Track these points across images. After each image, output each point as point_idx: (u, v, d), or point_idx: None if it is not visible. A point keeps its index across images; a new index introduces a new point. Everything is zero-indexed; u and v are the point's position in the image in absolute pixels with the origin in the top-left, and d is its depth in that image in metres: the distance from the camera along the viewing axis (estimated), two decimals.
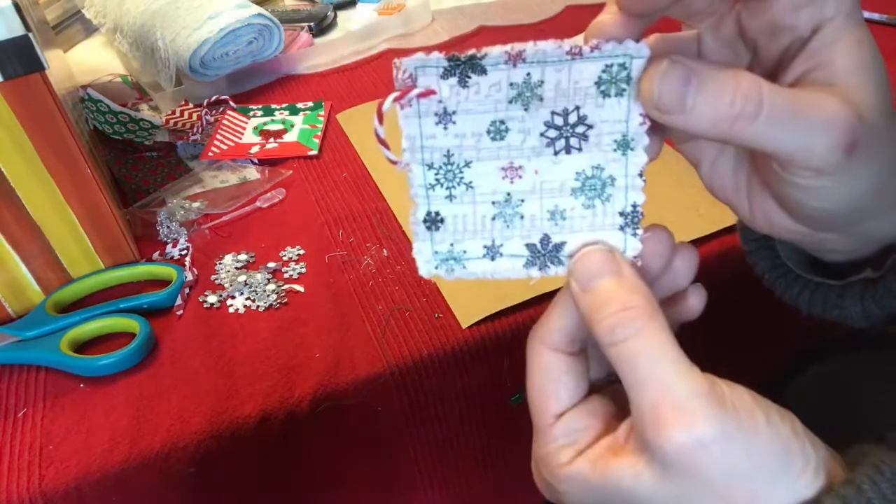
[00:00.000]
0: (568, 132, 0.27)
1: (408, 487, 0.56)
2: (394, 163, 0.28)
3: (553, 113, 0.27)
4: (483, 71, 0.26)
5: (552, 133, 0.27)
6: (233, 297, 0.56)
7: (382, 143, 0.27)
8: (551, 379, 0.29)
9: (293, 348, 0.51)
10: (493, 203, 0.29)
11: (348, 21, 1.02)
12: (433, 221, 0.29)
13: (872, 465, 0.25)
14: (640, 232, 0.28)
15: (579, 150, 0.27)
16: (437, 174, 0.28)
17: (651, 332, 0.26)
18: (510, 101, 0.27)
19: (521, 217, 0.29)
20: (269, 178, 0.69)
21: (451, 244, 0.29)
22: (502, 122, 0.27)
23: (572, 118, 0.27)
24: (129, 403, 0.48)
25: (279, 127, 0.77)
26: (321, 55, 0.91)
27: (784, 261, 0.37)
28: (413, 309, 0.54)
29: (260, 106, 0.82)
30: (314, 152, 0.73)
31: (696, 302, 0.31)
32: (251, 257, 0.60)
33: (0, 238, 0.52)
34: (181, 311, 0.55)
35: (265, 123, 0.78)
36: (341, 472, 0.53)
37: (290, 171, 0.70)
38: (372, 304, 0.54)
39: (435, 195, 0.29)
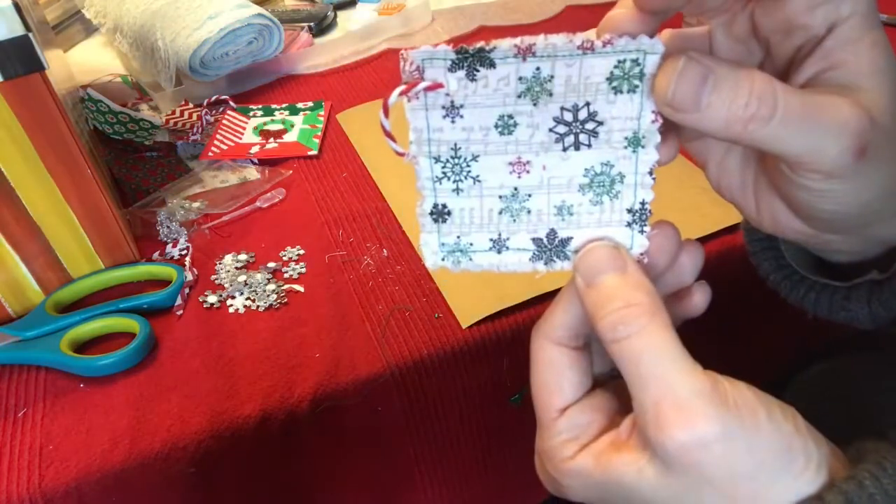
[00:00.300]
0: (577, 128, 0.27)
1: (408, 487, 0.56)
2: (400, 155, 0.28)
3: (563, 108, 0.26)
4: (491, 64, 0.26)
5: (561, 129, 0.27)
6: (233, 297, 0.56)
7: (388, 135, 0.27)
8: (555, 373, 0.29)
9: (293, 348, 0.51)
10: (500, 197, 0.28)
11: (348, 21, 1.02)
12: (440, 214, 0.29)
13: (874, 461, 0.25)
14: (647, 229, 0.28)
15: (588, 146, 0.27)
16: (444, 167, 0.28)
17: (653, 329, 0.26)
18: (519, 96, 0.26)
19: (528, 211, 0.29)
20: (269, 178, 0.69)
21: (458, 236, 0.29)
22: (510, 117, 0.27)
23: (582, 114, 0.27)
24: (129, 403, 0.48)
25: (279, 127, 0.77)
26: (321, 55, 0.91)
27: (789, 261, 0.37)
28: (413, 309, 0.54)
29: (260, 106, 0.82)
30: (314, 152, 0.73)
31: (700, 299, 0.31)
32: (251, 257, 0.60)
33: (0, 238, 0.52)
34: (181, 311, 0.55)
35: (265, 123, 0.78)
36: (341, 472, 0.53)
37: (290, 171, 0.70)
38: (372, 304, 0.54)
39: (442, 188, 0.28)
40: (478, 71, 0.26)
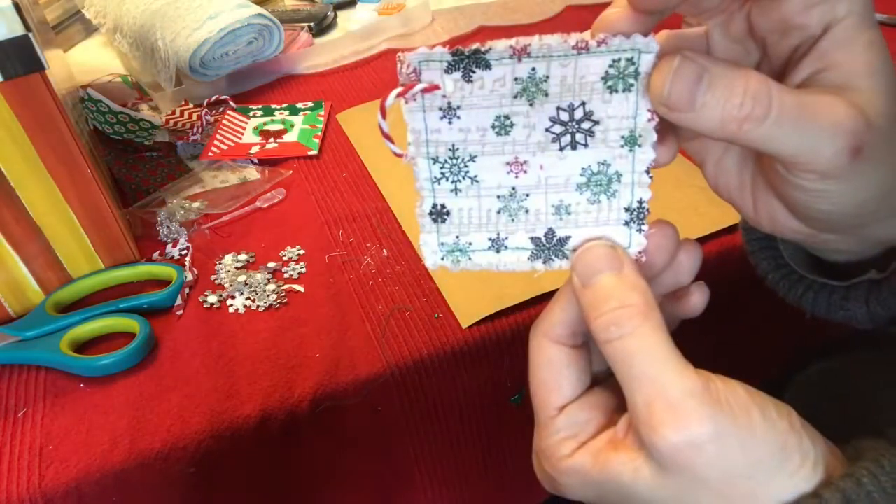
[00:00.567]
0: (574, 128, 0.27)
1: (408, 487, 0.56)
2: (399, 156, 0.28)
3: (559, 108, 0.27)
4: (487, 66, 0.26)
5: (558, 128, 0.27)
6: (233, 297, 0.56)
7: (386, 136, 0.27)
8: (554, 371, 0.29)
9: (293, 348, 0.51)
10: (499, 197, 0.28)
11: (348, 21, 1.02)
12: (439, 214, 0.29)
13: (872, 458, 0.25)
14: (645, 228, 0.28)
15: (585, 145, 0.27)
16: (442, 168, 0.28)
17: (646, 330, 0.26)
18: (515, 97, 0.26)
19: (526, 211, 0.29)
20: (269, 178, 0.69)
21: (457, 236, 0.29)
22: (507, 118, 0.27)
23: (578, 114, 0.27)
24: (129, 403, 0.48)
25: (279, 127, 0.77)
26: (321, 55, 0.91)
27: (788, 261, 0.37)
28: (413, 309, 0.54)
29: (260, 106, 0.82)
30: (314, 152, 0.73)
31: (698, 299, 0.31)
32: (251, 257, 0.60)
33: (0, 238, 0.52)
34: (181, 311, 0.55)
35: (265, 123, 0.78)
36: (341, 471, 0.53)
37: (290, 171, 0.70)
38: (372, 304, 0.54)
39: (440, 188, 0.29)
40: (474, 72, 0.26)
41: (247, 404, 0.47)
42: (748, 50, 0.29)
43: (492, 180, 0.28)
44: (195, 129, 0.76)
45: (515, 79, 0.26)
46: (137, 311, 0.54)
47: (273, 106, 0.82)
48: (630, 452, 0.26)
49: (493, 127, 0.27)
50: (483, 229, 0.29)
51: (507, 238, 0.29)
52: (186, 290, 0.56)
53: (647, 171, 0.27)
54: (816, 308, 0.35)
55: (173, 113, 0.78)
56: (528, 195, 0.28)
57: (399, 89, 0.26)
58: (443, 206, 0.29)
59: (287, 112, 0.80)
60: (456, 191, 0.28)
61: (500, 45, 0.25)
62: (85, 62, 0.94)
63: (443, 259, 0.30)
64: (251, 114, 0.80)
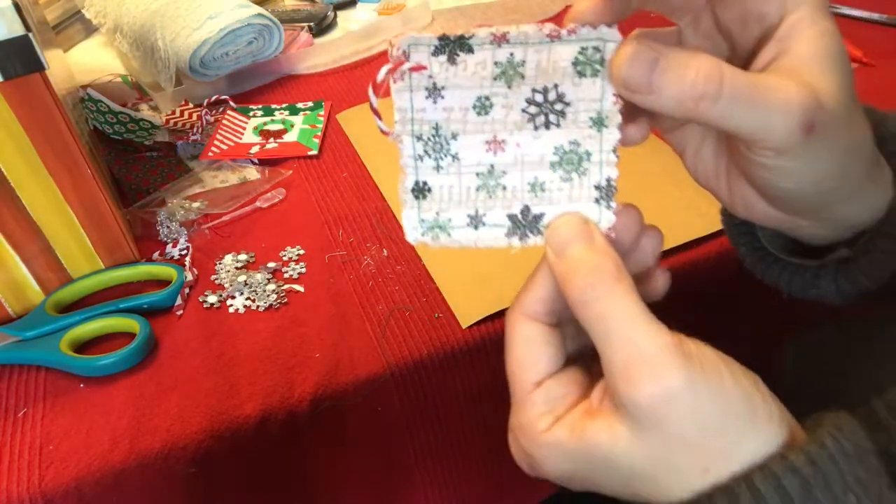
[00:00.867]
0: (547, 108, 0.29)
1: (408, 487, 0.56)
2: (385, 133, 0.30)
3: (534, 90, 0.29)
4: (470, 50, 0.28)
5: (533, 109, 0.29)
6: (233, 297, 0.56)
7: (376, 112, 0.28)
8: (531, 348, 0.30)
9: (293, 348, 0.51)
10: (478, 174, 0.30)
11: (348, 21, 1.03)
12: (420, 190, 0.30)
13: (833, 424, 0.26)
14: (613, 205, 0.30)
15: (558, 125, 0.29)
16: (425, 146, 0.30)
17: (620, 293, 0.27)
18: (495, 79, 0.28)
19: (504, 188, 0.30)
20: (269, 178, 0.69)
21: (437, 213, 0.31)
22: (487, 98, 0.29)
23: (551, 95, 0.29)
24: (129, 403, 0.48)
25: (279, 127, 0.77)
26: (321, 55, 0.91)
27: (765, 244, 0.39)
28: (413, 309, 0.54)
29: (260, 106, 0.82)
30: (314, 152, 0.73)
31: (661, 282, 0.32)
32: (251, 257, 0.60)
33: (0, 238, 0.52)
34: (181, 311, 0.55)
35: (265, 123, 0.78)
36: (341, 472, 0.53)
37: (290, 171, 0.70)
38: (372, 304, 0.54)
39: (423, 165, 0.30)
40: (458, 56, 0.28)
41: (247, 404, 0.47)
42: (717, 45, 0.32)
43: (472, 158, 0.30)
44: (195, 129, 0.76)
45: (495, 63, 0.28)
46: (137, 311, 0.54)
47: (273, 106, 0.82)
48: (606, 418, 0.27)
49: (475, 107, 0.29)
50: (462, 206, 0.31)
51: (485, 215, 0.31)
52: (186, 290, 0.56)
53: (614, 151, 0.29)
54: (791, 287, 0.37)
55: (173, 113, 0.78)
56: (505, 172, 0.30)
57: (389, 66, 0.28)
58: (425, 183, 0.30)
59: (287, 112, 0.80)
60: (438, 168, 0.30)
61: (482, 32, 0.27)
62: (85, 62, 0.94)
63: (423, 235, 0.31)
64: (251, 114, 0.80)
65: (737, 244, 0.40)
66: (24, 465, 0.45)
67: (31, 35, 0.46)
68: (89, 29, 1.02)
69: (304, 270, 0.58)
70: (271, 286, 0.56)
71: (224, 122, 0.78)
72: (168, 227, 0.63)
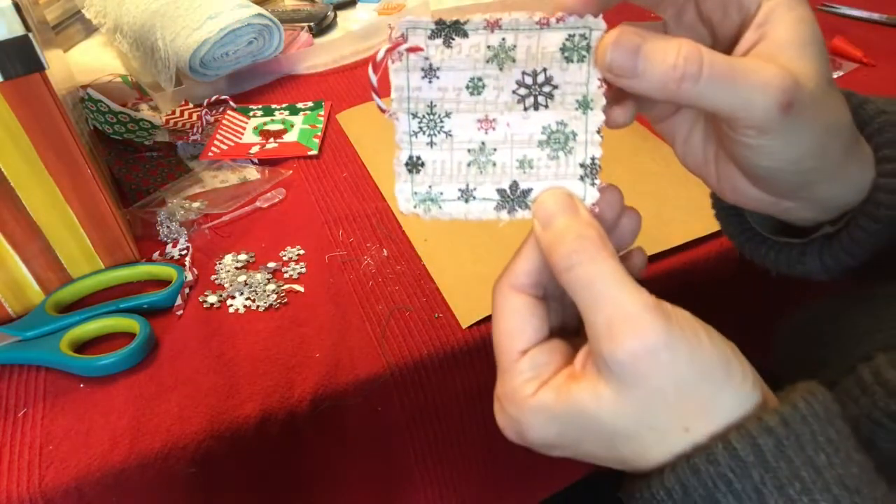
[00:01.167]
0: (536, 91, 0.31)
1: (408, 487, 0.56)
2: (383, 111, 0.31)
3: (524, 73, 0.30)
4: (465, 34, 0.30)
5: (523, 91, 0.31)
6: (233, 297, 0.56)
7: (375, 91, 0.30)
8: (518, 318, 0.31)
9: (293, 348, 0.51)
10: (469, 151, 0.32)
11: (348, 21, 1.02)
12: (414, 165, 0.32)
13: (805, 389, 0.28)
14: (597, 182, 0.31)
15: (546, 107, 0.31)
16: (420, 123, 0.31)
17: (603, 258, 0.28)
18: (487, 61, 0.30)
19: (494, 164, 0.32)
20: (269, 178, 0.69)
21: (430, 186, 0.32)
22: (480, 80, 0.31)
23: (540, 78, 0.30)
24: (129, 403, 0.48)
25: (279, 127, 0.77)
26: (321, 55, 0.91)
27: (752, 225, 0.40)
28: (413, 309, 0.54)
29: (260, 106, 0.82)
30: (314, 152, 0.73)
31: (638, 261, 0.34)
32: (251, 257, 0.60)
33: (0, 238, 0.52)
34: (181, 311, 0.55)
35: (265, 123, 0.78)
36: (341, 471, 0.53)
37: (290, 171, 0.70)
38: (372, 304, 0.54)
39: (417, 141, 0.32)
40: (453, 39, 0.30)
41: (247, 404, 0.47)
42: (700, 36, 0.33)
43: (464, 135, 0.32)
44: (195, 129, 0.76)
45: (488, 46, 0.30)
46: (137, 311, 0.54)
47: (273, 106, 0.82)
48: (590, 379, 0.28)
49: (468, 87, 0.31)
50: (454, 180, 0.32)
51: (475, 189, 0.32)
52: (186, 290, 0.56)
53: (598, 132, 0.31)
54: (778, 265, 0.39)
55: (173, 113, 0.78)
56: (495, 150, 0.32)
57: (388, 45, 0.30)
58: (418, 158, 0.32)
59: (287, 112, 0.80)
60: (431, 144, 0.32)
61: (477, 18, 0.29)
62: (85, 62, 0.94)
63: (415, 207, 0.32)
64: (251, 114, 0.80)
65: (725, 226, 0.42)
66: (24, 465, 0.45)
67: (31, 35, 0.46)
68: (89, 29, 1.02)
69: (304, 270, 0.58)
70: (271, 286, 0.56)
71: (224, 122, 0.78)
72: (168, 227, 0.63)
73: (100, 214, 0.55)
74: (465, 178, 0.32)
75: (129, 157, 0.73)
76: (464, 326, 0.51)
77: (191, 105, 0.80)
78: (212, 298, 0.56)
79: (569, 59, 0.30)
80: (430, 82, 0.31)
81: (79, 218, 0.55)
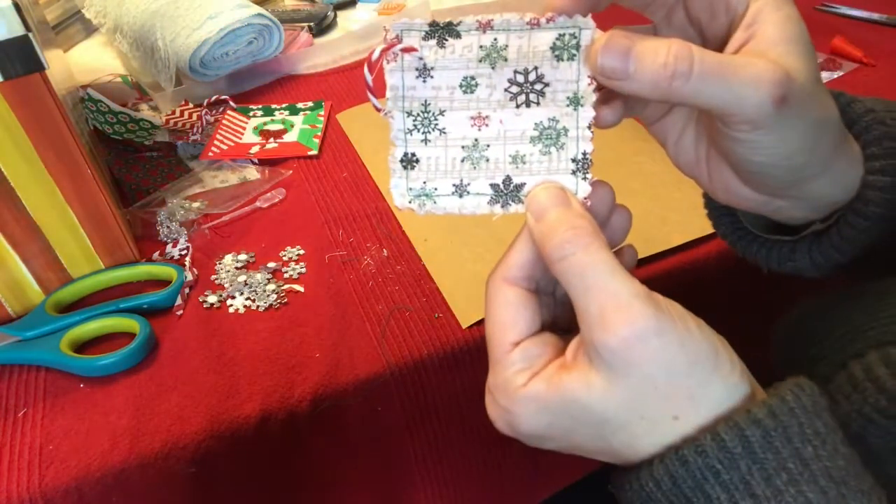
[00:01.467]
0: (528, 88, 0.31)
1: (408, 487, 0.56)
2: (378, 109, 0.32)
3: (515, 72, 0.31)
4: (458, 35, 0.31)
5: (515, 89, 0.32)
6: (233, 297, 0.56)
7: (370, 90, 0.31)
8: (510, 311, 0.31)
9: (293, 348, 0.51)
10: (463, 147, 0.32)
11: (348, 21, 1.03)
12: (409, 161, 0.33)
13: (794, 382, 0.28)
14: (589, 176, 0.32)
15: (538, 104, 0.32)
16: (415, 121, 0.32)
17: (595, 247, 0.29)
18: (480, 61, 0.31)
19: (487, 160, 0.32)
20: (269, 178, 0.69)
21: (424, 182, 0.33)
22: (473, 78, 0.31)
23: (532, 77, 0.31)
24: (129, 403, 0.48)
25: (279, 127, 0.77)
26: (321, 55, 0.91)
27: (744, 224, 0.41)
28: (413, 309, 0.54)
29: (260, 106, 0.82)
30: (314, 152, 0.73)
31: (629, 258, 0.34)
32: (251, 257, 0.60)
33: (0, 238, 0.52)
34: (181, 311, 0.55)
35: (265, 123, 0.78)
36: (341, 471, 0.53)
37: (290, 171, 0.70)
38: (372, 304, 0.54)
39: (412, 139, 0.32)
40: (446, 40, 0.31)
41: (247, 404, 0.47)
42: (690, 38, 0.33)
43: (457, 132, 0.32)
44: (195, 129, 0.76)
45: (481, 46, 0.31)
46: (137, 311, 0.54)
47: (273, 106, 0.82)
48: (581, 369, 0.29)
49: (461, 86, 0.32)
50: (448, 176, 0.33)
51: (469, 184, 0.33)
52: (186, 290, 0.56)
53: (589, 128, 0.32)
54: (769, 262, 0.40)
55: (173, 113, 0.78)
56: (488, 146, 0.32)
57: (383, 46, 0.31)
58: (413, 155, 0.33)
59: (287, 112, 0.80)
60: (426, 141, 0.32)
61: (469, 19, 0.30)
62: (85, 62, 0.94)
63: (410, 202, 0.33)
64: (251, 114, 0.80)
65: (718, 225, 0.42)
66: (24, 465, 0.45)
67: (31, 35, 0.46)
68: (89, 29, 1.02)
69: (304, 270, 0.58)
70: (271, 286, 0.56)
71: (224, 122, 0.78)
72: (168, 227, 0.63)
73: (100, 214, 0.55)
74: (458, 174, 0.33)
75: (129, 157, 0.73)
76: (464, 326, 0.51)
77: (191, 105, 0.80)
78: (212, 298, 0.56)
79: (559, 58, 0.31)
80: (424, 81, 0.31)
81: (79, 218, 0.55)
